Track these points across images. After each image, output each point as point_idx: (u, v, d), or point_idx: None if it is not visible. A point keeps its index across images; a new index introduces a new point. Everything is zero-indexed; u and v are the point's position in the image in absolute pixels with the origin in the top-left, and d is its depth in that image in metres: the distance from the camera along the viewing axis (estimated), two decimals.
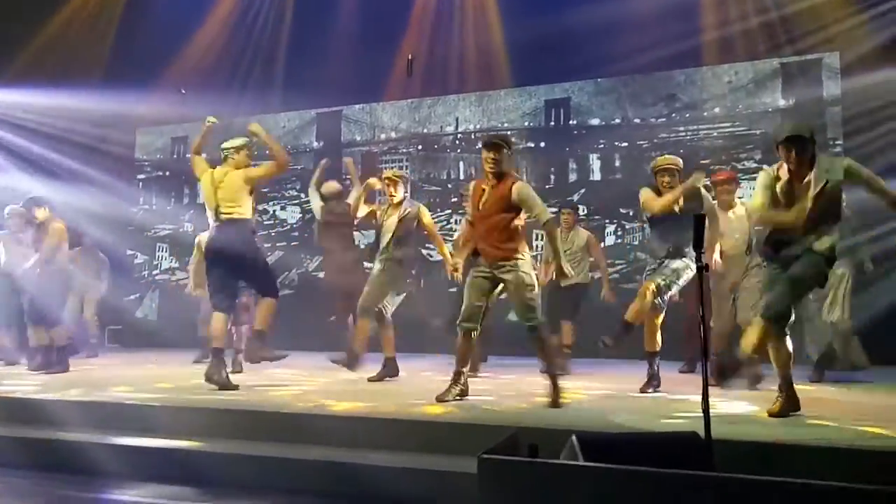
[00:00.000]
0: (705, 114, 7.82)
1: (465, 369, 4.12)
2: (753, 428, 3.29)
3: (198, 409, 3.88)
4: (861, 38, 6.93)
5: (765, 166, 4.26)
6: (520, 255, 3.98)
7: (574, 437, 2.29)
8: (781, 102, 7.54)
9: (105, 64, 9.55)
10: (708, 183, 4.93)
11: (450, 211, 8.67)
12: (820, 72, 7.36)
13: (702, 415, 2.44)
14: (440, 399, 4.00)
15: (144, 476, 3.32)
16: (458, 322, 4.07)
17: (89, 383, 4.89)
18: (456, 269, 4.41)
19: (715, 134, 7.76)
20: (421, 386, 4.70)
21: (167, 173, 10.39)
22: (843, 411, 3.66)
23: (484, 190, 4.07)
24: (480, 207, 4.08)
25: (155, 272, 10.10)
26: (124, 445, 3.54)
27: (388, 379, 5.08)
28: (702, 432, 2.41)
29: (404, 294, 5.45)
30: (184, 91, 9.75)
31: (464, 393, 4.13)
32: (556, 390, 3.88)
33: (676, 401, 4.10)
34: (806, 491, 1.92)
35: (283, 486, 3.17)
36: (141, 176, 10.52)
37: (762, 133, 7.53)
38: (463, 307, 4.07)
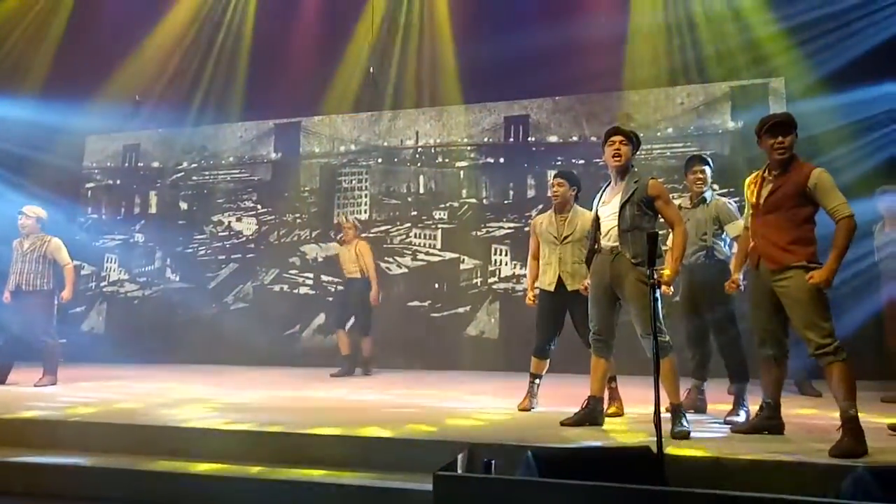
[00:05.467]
0: (658, 133, 8.04)
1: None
2: (704, 443, 3.35)
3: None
4: (804, 66, 7.30)
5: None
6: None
7: (529, 453, 2.31)
8: (731, 124, 7.81)
9: (50, 69, 9.23)
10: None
11: (409, 224, 8.65)
12: (766, 96, 7.66)
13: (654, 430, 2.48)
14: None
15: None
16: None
17: None
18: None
19: (668, 153, 7.97)
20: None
21: (118, 182, 10.09)
22: (791, 427, 3.74)
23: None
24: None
25: (103, 284, 9.77)
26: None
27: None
28: (654, 447, 2.44)
29: None
30: (138, 98, 9.53)
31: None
32: None
33: (631, 417, 4.15)
34: None
35: None
36: (89, 184, 10.19)
37: (712, 153, 7.78)
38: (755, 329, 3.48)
